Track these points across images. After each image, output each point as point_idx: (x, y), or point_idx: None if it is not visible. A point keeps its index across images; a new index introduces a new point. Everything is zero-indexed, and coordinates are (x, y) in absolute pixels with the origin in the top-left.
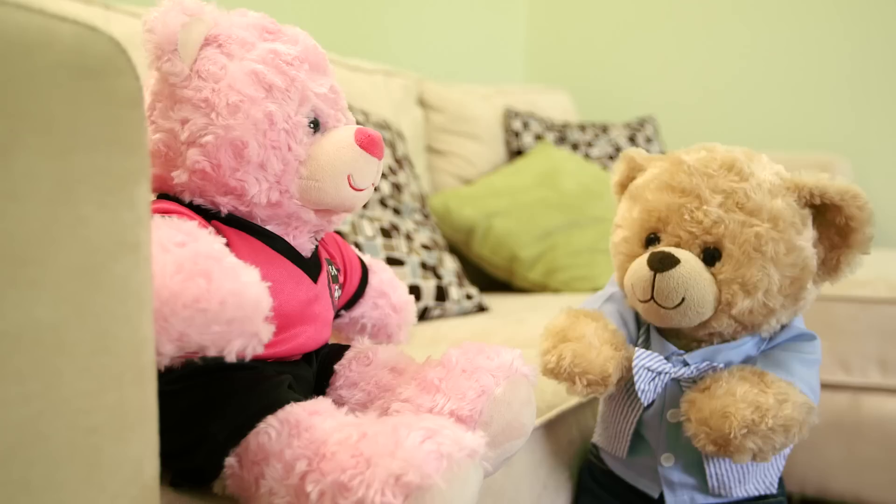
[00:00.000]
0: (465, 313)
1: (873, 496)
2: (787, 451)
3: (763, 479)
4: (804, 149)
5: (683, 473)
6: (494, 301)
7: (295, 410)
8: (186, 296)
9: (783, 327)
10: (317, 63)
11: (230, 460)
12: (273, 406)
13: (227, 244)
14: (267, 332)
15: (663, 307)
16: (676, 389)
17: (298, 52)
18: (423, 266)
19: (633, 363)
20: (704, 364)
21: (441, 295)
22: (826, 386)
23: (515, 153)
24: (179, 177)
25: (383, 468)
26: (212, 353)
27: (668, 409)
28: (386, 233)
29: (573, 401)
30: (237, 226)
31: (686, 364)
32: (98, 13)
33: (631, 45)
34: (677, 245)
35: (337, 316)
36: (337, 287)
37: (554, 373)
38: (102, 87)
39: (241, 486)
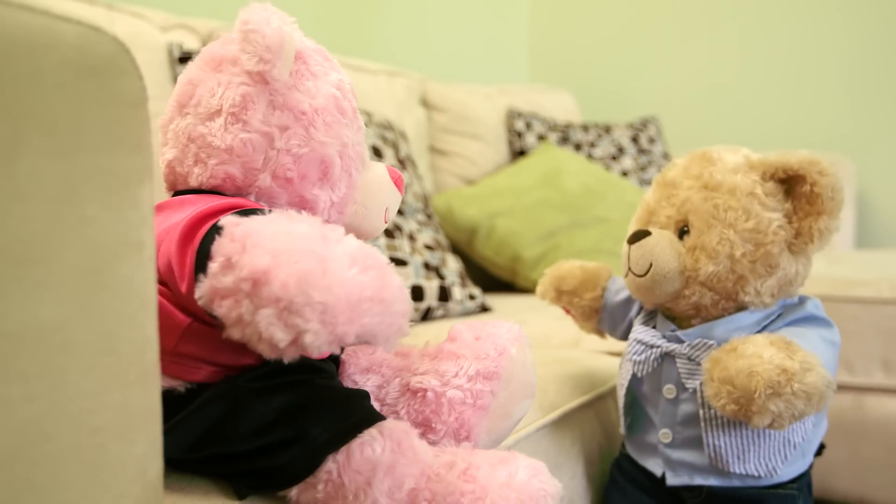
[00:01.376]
0: (467, 314)
1: (877, 497)
2: (797, 439)
3: (765, 461)
4: (807, 148)
5: (680, 450)
6: (497, 301)
7: (395, 427)
8: (371, 288)
9: (793, 307)
10: (353, 100)
11: (330, 466)
12: (371, 419)
13: None
14: (408, 324)
15: (637, 275)
16: (672, 367)
17: (348, 86)
18: (426, 266)
19: (630, 335)
20: (697, 340)
21: (444, 295)
22: None
23: (518, 153)
24: (264, 180)
25: (502, 498)
26: (381, 343)
27: (664, 385)
28: (389, 233)
29: (575, 401)
30: None
31: (679, 341)
32: (101, 13)
33: (634, 46)
34: (661, 229)
35: None
36: None
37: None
38: (106, 87)
39: (336, 493)
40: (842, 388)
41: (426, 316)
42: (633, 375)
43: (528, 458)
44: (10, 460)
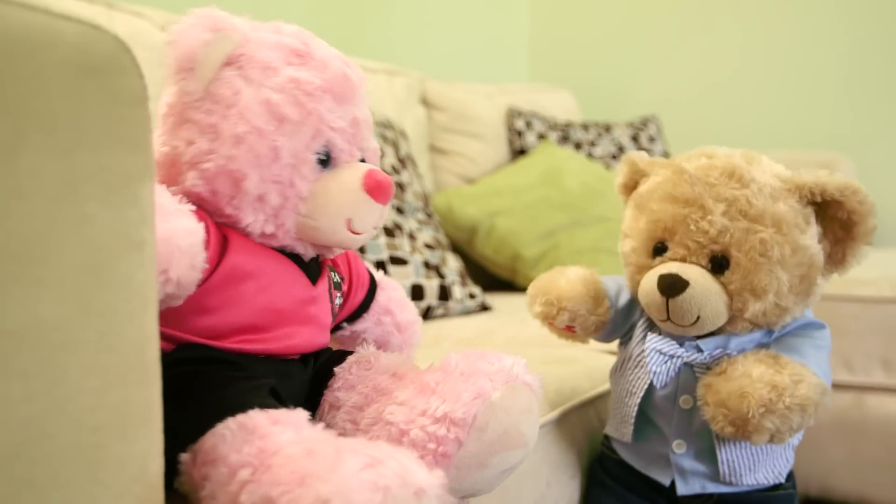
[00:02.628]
0: (467, 312)
1: (877, 496)
2: (795, 442)
3: (773, 467)
4: (807, 147)
5: (695, 461)
6: (497, 300)
7: (257, 416)
8: None
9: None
10: (342, 93)
11: (185, 457)
12: (238, 408)
13: (226, 239)
14: (187, 276)
15: (680, 325)
16: (690, 375)
17: (323, 82)
18: (426, 265)
19: (646, 346)
20: (717, 350)
21: (444, 294)
22: None
23: (518, 152)
24: (176, 193)
25: (312, 490)
26: None
27: (680, 395)
28: (389, 232)
29: (576, 400)
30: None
31: (699, 350)
32: (101, 12)
33: (634, 45)
34: (685, 255)
35: (339, 328)
36: (339, 294)
37: (530, 298)
38: (107, 85)
39: (191, 485)
40: (842, 387)
41: (426, 315)
42: (650, 385)
43: (388, 448)
44: (10, 458)
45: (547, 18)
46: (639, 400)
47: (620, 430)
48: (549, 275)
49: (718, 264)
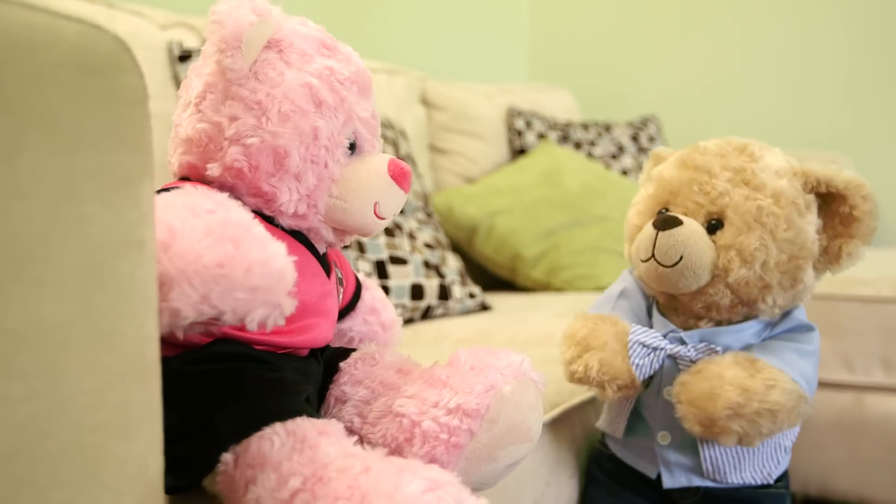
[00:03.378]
0: (467, 312)
1: (877, 495)
2: (787, 443)
3: (760, 468)
4: (808, 147)
5: (679, 453)
6: (497, 300)
7: (304, 425)
8: (213, 258)
9: (784, 316)
10: (364, 86)
11: (227, 456)
12: (284, 413)
13: None
14: (290, 305)
15: (662, 265)
16: (674, 368)
17: (350, 73)
18: (426, 265)
19: (629, 338)
20: (702, 344)
21: (444, 294)
22: (829, 385)
23: (518, 152)
24: (213, 170)
25: None
26: (231, 320)
27: (664, 387)
28: (389, 231)
29: (576, 399)
30: (261, 215)
31: (683, 343)
32: (101, 11)
33: (634, 45)
34: (684, 214)
35: None
36: (340, 290)
37: (582, 381)
38: (107, 84)
39: (230, 486)
40: (842, 387)
41: (426, 314)
42: None
43: (443, 472)
44: (10, 458)
45: (547, 18)
46: (631, 400)
47: (613, 425)
48: (596, 356)
49: (713, 226)
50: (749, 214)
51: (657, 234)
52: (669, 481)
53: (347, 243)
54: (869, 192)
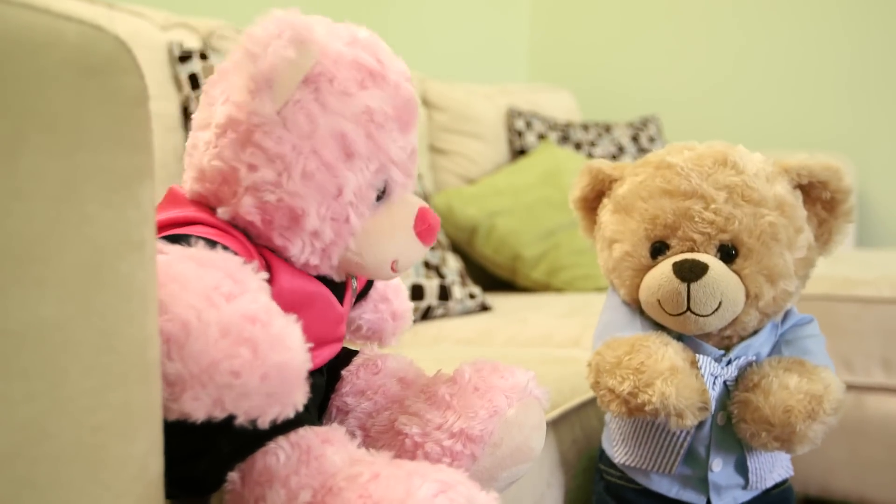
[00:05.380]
0: (467, 312)
1: (877, 496)
2: None
3: (783, 461)
4: (808, 148)
5: (728, 476)
6: (497, 300)
7: (308, 435)
8: (228, 366)
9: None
10: (407, 121)
11: (233, 475)
12: (285, 426)
13: (269, 269)
14: (303, 396)
15: (700, 315)
16: (724, 391)
17: (394, 110)
18: (427, 265)
19: (701, 371)
20: (742, 359)
21: (444, 294)
22: None
23: (518, 152)
24: (224, 214)
25: None
26: (244, 421)
27: (717, 412)
28: None
29: (575, 400)
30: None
31: (730, 363)
32: (102, 12)
33: (634, 45)
34: (691, 249)
35: None
36: (354, 298)
37: (656, 413)
38: (107, 85)
39: (239, 502)
40: None
41: (426, 315)
42: None
43: (452, 472)
44: (10, 458)
45: (547, 18)
46: (692, 433)
47: (658, 461)
48: (678, 380)
49: (727, 253)
50: (765, 234)
51: (689, 287)
52: (719, 503)
53: None
54: (843, 171)
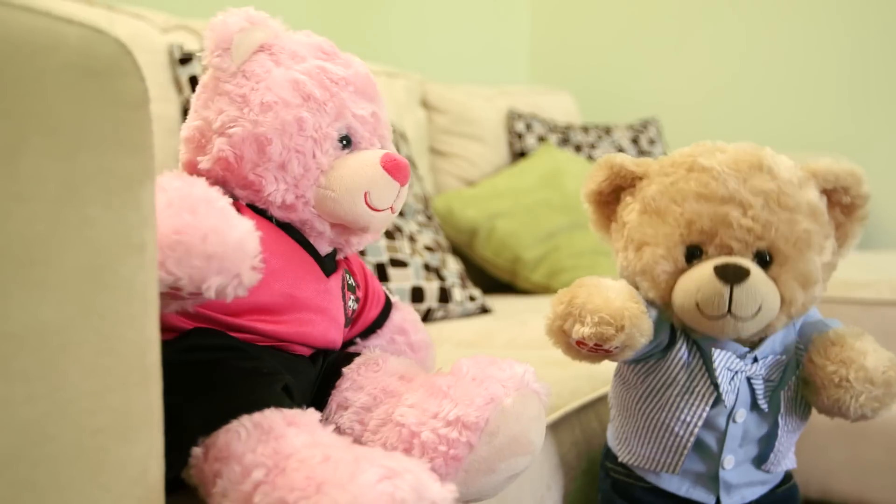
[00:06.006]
0: (468, 315)
1: (877, 498)
2: None
3: (791, 452)
4: (807, 149)
5: (738, 473)
6: (497, 303)
7: (272, 416)
8: (170, 226)
9: None
10: (363, 89)
11: (197, 450)
12: (253, 405)
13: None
14: (250, 277)
15: (741, 318)
16: (745, 389)
17: (347, 74)
18: (427, 268)
19: (715, 364)
20: (769, 357)
21: (444, 296)
22: None
23: (518, 155)
24: (204, 163)
25: (328, 498)
26: (188, 287)
27: (737, 409)
28: (389, 234)
29: (576, 402)
30: (255, 210)
31: (755, 360)
32: (102, 14)
33: (634, 47)
34: (729, 255)
35: (352, 342)
36: (353, 297)
37: (563, 316)
38: (108, 88)
39: (201, 479)
40: None
41: (426, 317)
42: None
43: (406, 460)
44: (11, 461)
45: (547, 21)
46: (697, 429)
47: (663, 460)
48: (586, 289)
49: (762, 260)
50: (800, 241)
51: (732, 289)
52: (728, 502)
53: (359, 247)
54: (864, 177)
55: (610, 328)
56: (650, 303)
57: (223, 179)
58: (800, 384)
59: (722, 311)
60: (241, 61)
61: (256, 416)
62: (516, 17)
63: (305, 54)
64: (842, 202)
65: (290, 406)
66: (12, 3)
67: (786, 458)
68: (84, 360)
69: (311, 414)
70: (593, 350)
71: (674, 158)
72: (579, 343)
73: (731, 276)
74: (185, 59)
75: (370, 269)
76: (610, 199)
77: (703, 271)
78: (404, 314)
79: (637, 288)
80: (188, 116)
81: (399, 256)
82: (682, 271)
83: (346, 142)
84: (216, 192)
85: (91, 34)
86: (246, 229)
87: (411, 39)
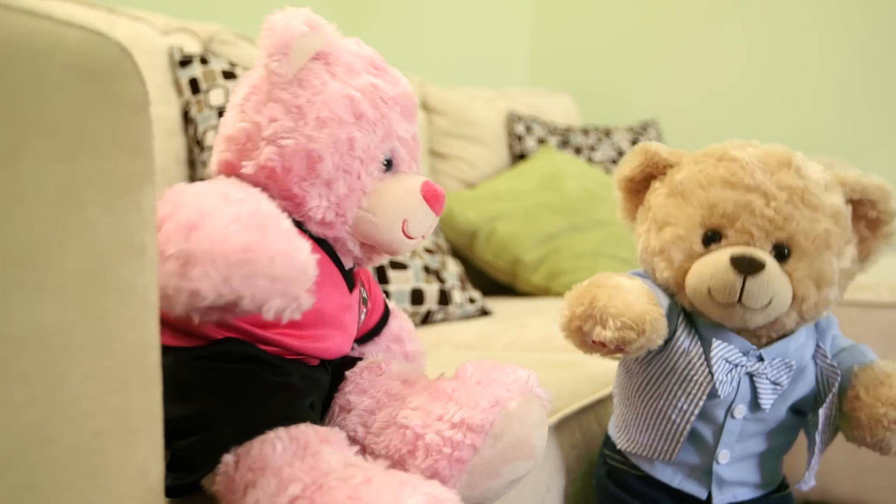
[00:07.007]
0: (467, 317)
1: (876, 499)
2: None
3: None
4: (807, 152)
5: (733, 470)
6: (497, 305)
7: (308, 432)
8: (238, 242)
9: None
10: (408, 109)
11: (228, 458)
12: (288, 419)
13: None
14: (308, 300)
15: (750, 308)
16: (747, 385)
17: (396, 94)
18: (426, 270)
19: (713, 353)
20: (777, 360)
21: (444, 299)
22: None
23: (518, 157)
24: (248, 168)
25: None
26: (249, 307)
27: (736, 405)
28: None
29: (575, 405)
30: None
31: (761, 359)
32: (102, 17)
33: (634, 50)
34: (747, 243)
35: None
36: (364, 310)
37: (583, 317)
38: (108, 90)
39: (229, 487)
40: None
41: (426, 319)
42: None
43: (443, 489)
44: (11, 463)
45: (547, 23)
46: (693, 417)
47: (659, 447)
48: (606, 291)
49: (780, 252)
50: (819, 239)
51: (745, 280)
52: (719, 498)
53: (377, 263)
54: (893, 194)
55: (632, 332)
56: (663, 287)
57: (264, 186)
58: (837, 412)
59: (732, 299)
60: (298, 68)
61: (292, 429)
62: (516, 19)
63: (359, 69)
64: (867, 216)
65: (318, 423)
66: (12, 5)
67: (813, 475)
68: (84, 362)
69: (339, 433)
70: (612, 350)
71: (706, 150)
72: (596, 343)
73: (747, 266)
74: (185, 62)
75: (372, 277)
76: (640, 186)
77: (720, 258)
78: (401, 322)
79: (653, 271)
80: (231, 113)
81: (399, 258)
82: (698, 255)
83: (388, 164)
84: (279, 211)
85: (91, 37)
86: (309, 254)
87: (411, 41)
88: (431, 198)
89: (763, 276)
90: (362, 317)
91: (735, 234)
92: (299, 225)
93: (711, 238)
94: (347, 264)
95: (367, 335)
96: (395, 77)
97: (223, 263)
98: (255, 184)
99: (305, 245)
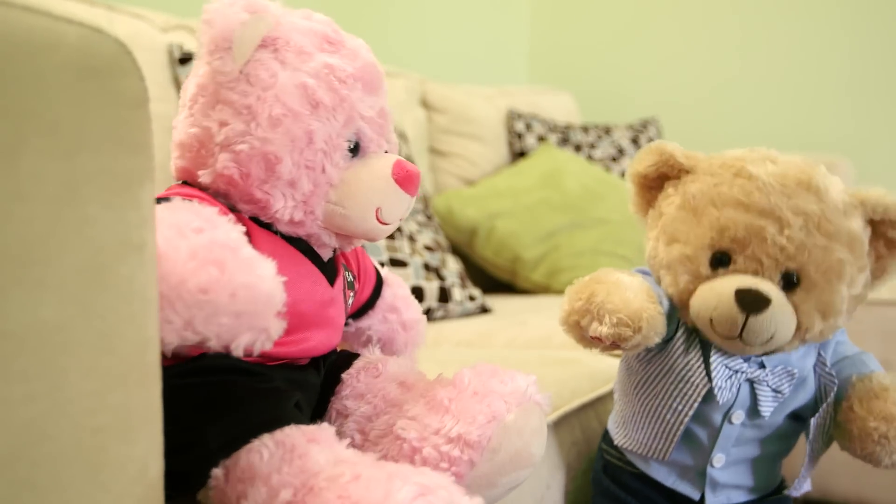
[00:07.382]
0: (467, 314)
1: (876, 498)
2: None
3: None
4: (807, 150)
5: (727, 473)
6: (497, 302)
7: (293, 434)
8: (196, 283)
9: None
10: (371, 82)
11: (217, 472)
12: (273, 423)
13: (247, 234)
14: (277, 327)
15: (749, 344)
16: (747, 391)
17: (355, 70)
18: (426, 267)
19: (712, 358)
20: (779, 368)
21: (444, 296)
22: None
23: (518, 154)
24: (205, 177)
25: None
26: (216, 346)
27: (734, 411)
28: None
29: (576, 402)
30: (258, 221)
31: (762, 366)
32: (101, 14)
33: (634, 47)
34: (756, 269)
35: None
36: (351, 294)
37: (581, 312)
38: (108, 87)
39: (222, 500)
40: None
41: (426, 316)
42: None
43: (435, 475)
44: (10, 460)
45: (547, 20)
46: (687, 418)
47: (653, 446)
48: (605, 287)
49: (789, 281)
50: (831, 271)
51: (747, 318)
52: (713, 501)
53: (356, 245)
54: None
55: (628, 329)
56: (667, 296)
57: (225, 193)
58: (831, 421)
59: (733, 334)
60: (243, 61)
61: (277, 434)
62: (516, 16)
63: (311, 49)
64: (887, 235)
65: (305, 422)
66: (12, 2)
67: (806, 482)
68: (84, 359)
69: (328, 429)
70: (609, 346)
71: (724, 159)
72: (594, 338)
73: (751, 305)
74: (185, 59)
75: (363, 249)
76: (653, 184)
77: (725, 289)
78: (395, 290)
79: (659, 279)
80: (181, 117)
81: (399, 256)
82: (705, 277)
83: (355, 148)
84: (238, 236)
85: (91, 34)
86: (273, 280)
87: (411, 39)
88: (404, 180)
89: (767, 314)
90: (350, 301)
91: (744, 261)
92: (268, 226)
93: (720, 261)
94: (326, 255)
95: (362, 308)
96: (354, 49)
97: (182, 306)
98: (216, 192)
99: (269, 270)
